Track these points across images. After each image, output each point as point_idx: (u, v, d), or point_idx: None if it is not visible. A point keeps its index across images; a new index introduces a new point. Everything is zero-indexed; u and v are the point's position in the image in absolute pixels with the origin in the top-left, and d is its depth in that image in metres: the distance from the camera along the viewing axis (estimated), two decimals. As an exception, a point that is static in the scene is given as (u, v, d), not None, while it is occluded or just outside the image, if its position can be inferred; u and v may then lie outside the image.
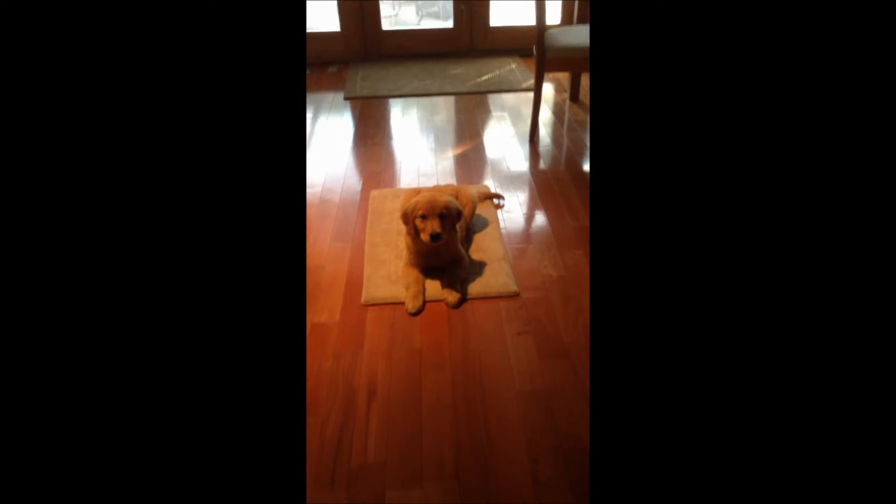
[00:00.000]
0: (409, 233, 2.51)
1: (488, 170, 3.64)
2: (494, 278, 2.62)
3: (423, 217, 2.43)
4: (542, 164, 3.69)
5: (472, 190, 2.99)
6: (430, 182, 3.50)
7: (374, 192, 3.37)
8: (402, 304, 2.48)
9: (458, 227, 2.60)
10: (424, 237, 2.41)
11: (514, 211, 3.18)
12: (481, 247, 2.86)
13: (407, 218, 2.48)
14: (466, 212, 2.86)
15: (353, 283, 2.64)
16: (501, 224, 3.06)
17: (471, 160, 3.77)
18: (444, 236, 2.42)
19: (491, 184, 3.46)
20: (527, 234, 2.99)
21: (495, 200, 3.26)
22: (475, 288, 2.56)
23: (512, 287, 2.57)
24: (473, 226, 2.97)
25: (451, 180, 3.52)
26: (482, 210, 3.12)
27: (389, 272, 2.68)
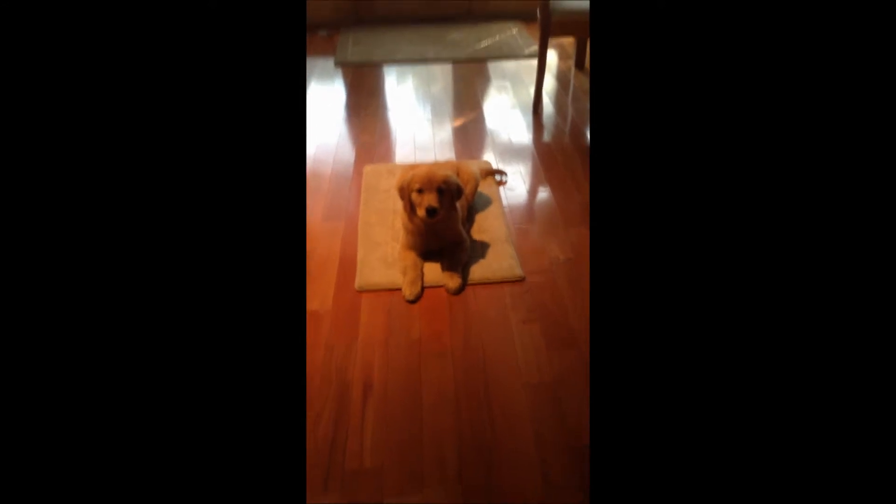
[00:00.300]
0: (405, 208, 2.34)
1: (489, 142, 3.44)
2: (498, 262, 2.46)
3: (420, 191, 2.25)
4: (546, 136, 3.50)
5: (474, 166, 2.80)
6: (427, 156, 3.31)
7: (368, 168, 3.18)
8: (399, 290, 2.32)
9: (458, 206, 2.43)
10: (420, 212, 2.24)
11: (517, 187, 3.00)
12: (483, 227, 2.69)
13: (403, 192, 2.31)
14: (468, 190, 2.69)
15: (346, 267, 2.48)
16: (504, 202, 2.88)
17: (470, 133, 3.57)
18: (442, 212, 2.26)
19: (492, 158, 3.27)
20: (531, 211, 2.82)
21: (497, 177, 3.08)
22: (477, 272, 2.40)
23: (516, 271, 2.41)
24: (475, 205, 2.80)
25: (449, 154, 3.33)
26: (484, 188, 2.94)
27: (385, 255, 2.51)
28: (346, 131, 3.60)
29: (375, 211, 2.80)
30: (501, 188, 2.99)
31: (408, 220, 2.38)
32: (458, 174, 2.70)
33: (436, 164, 2.69)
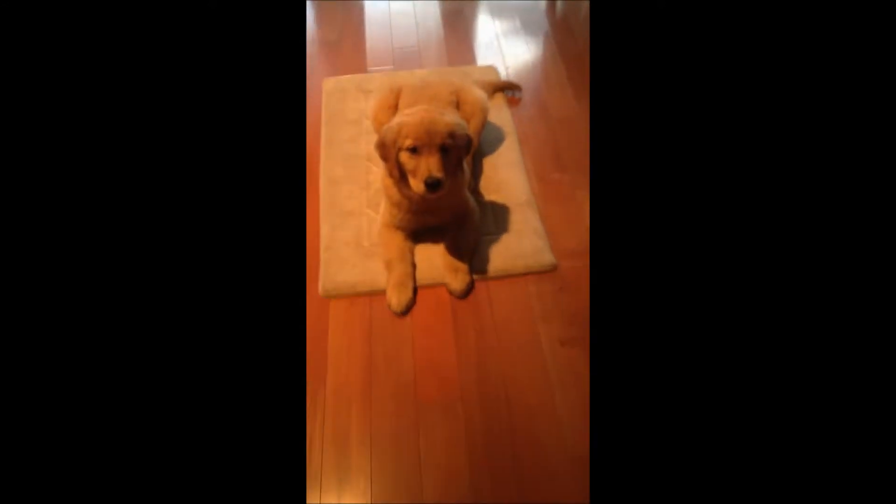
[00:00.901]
0: (390, 173, 1.57)
1: (491, 30, 2.54)
2: (518, 241, 1.74)
3: (415, 150, 1.48)
4: (560, 9, 2.61)
5: (477, 91, 1.96)
6: (409, 59, 2.43)
7: (329, 82, 2.31)
8: (382, 293, 1.63)
9: (465, 162, 1.66)
10: (417, 185, 1.48)
11: (531, 105, 2.18)
12: (495, 180, 1.93)
13: (387, 150, 1.52)
14: (474, 125, 1.88)
15: (308, 249, 1.75)
16: (521, 134, 2.09)
17: (466, 17, 2.65)
18: (447, 182, 1.50)
19: (498, 59, 2.40)
20: (557, 148, 2.04)
21: (508, 92, 2.24)
22: (493, 260, 1.70)
23: (545, 256, 1.70)
24: (482, 142, 2.00)
25: (439, 55, 2.45)
26: (492, 114, 2.11)
27: (359, 232, 1.78)
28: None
29: (342, 158, 2.01)
30: (514, 110, 2.18)
31: (392, 187, 1.62)
32: (458, 105, 1.88)
33: (426, 91, 1.86)
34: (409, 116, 1.51)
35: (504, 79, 2.30)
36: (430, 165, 1.45)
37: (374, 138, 1.99)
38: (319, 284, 1.65)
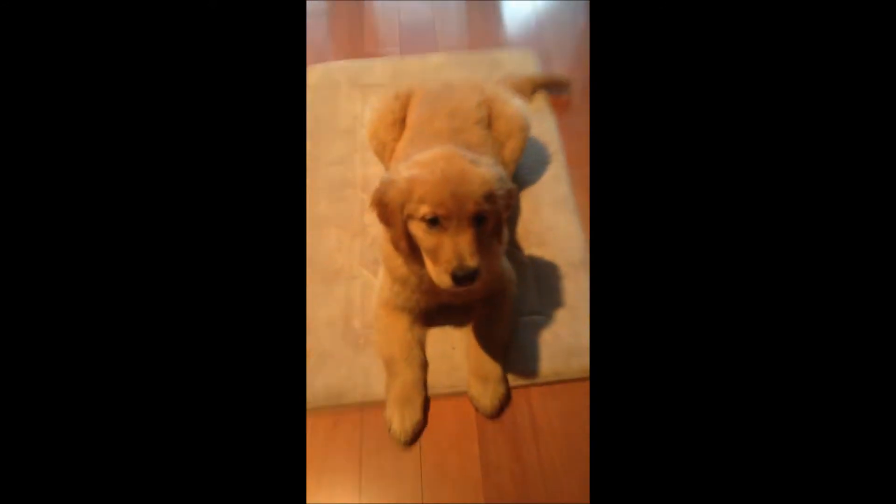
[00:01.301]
0: (393, 243, 1.06)
1: (529, 10, 1.96)
2: (571, 325, 1.23)
3: (434, 222, 0.97)
4: None
5: (515, 102, 1.39)
6: (421, 40, 1.87)
7: (315, 71, 1.77)
8: (379, 406, 1.14)
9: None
10: (438, 274, 0.98)
11: (585, 110, 1.63)
12: (536, 224, 1.40)
13: (389, 213, 1.02)
14: (511, 150, 1.36)
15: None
16: (570, 154, 1.55)
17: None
18: (483, 271, 0.98)
19: (536, 41, 1.83)
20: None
21: (552, 91, 1.69)
22: (536, 357, 1.19)
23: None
24: (518, 168, 1.47)
25: (459, 32, 1.88)
26: (531, 118, 1.56)
27: (350, 307, 1.28)
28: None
29: (328, 187, 1.49)
30: (560, 117, 1.63)
31: (395, 257, 1.11)
32: (489, 121, 1.35)
33: (448, 97, 1.33)
34: (423, 167, 0.99)
35: (546, 71, 1.74)
36: (459, 248, 0.95)
37: (371, 158, 1.48)
38: (290, 392, 1.17)
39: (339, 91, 1.71)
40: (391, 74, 1.76)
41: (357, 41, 1.89)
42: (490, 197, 0.98)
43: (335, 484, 1.08)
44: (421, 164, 1.00)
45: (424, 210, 0.96)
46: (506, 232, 1.16)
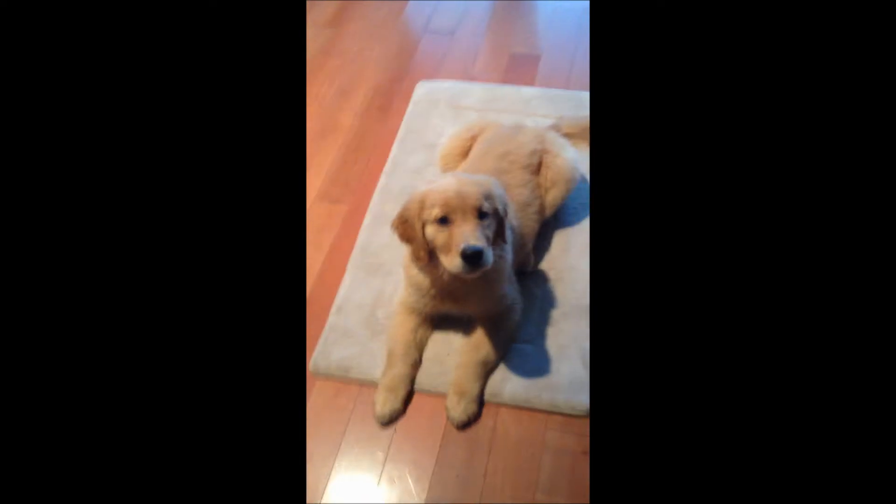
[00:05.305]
0: (416, 256, 1.26)
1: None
2: (556, 362, 1.35)
3: (443, 220, 1.18)
4: None
5: (568, 155, 1.51)
6: (525, 69, 2.01)
7: (422, 87, 1.99)
8: (374, 387, 1.37)
9: (510, 232, 1.31)
10: (451, 260, 1.17)
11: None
12: (560, 264, 1.52)
13: (410, 227, 1.23)
14: (552, 197, 1.52)
15: (316, 306, 1.53)
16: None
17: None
18: (490, 254, 1.17)
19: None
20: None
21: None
22: (514, 380, 1.33)
23: (581, 398, 1.29)
24: (560, 210, 1.58)
25: (566, 66, 1.99)
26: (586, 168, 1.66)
27: (380, 297, 1.51)
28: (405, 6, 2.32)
29: (400, 191, 1.71)
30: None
31: (415, 264, 1.31)
32: (539, 169, 1.50)
33: (508, 141, 1.51)
34: (434, 185, 1.21)
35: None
36: (465, 234, 1.14)
37: (436, 177, 1.68)
38: (312, 358, 1.43)
39: (437, 108, 1.92)
40: (486, 100, 1.93)
41: (469, 64, 2.08)
42: (489, 196, 1.19)
43: (319, 438, 1.33)
44: (432, 183, 1.24)
45: (436, 212, 1.18)
46: (509, 252, 1.33)
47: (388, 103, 1.98)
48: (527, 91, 1.93)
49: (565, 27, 2.14)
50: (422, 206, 1.19)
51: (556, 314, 1.43)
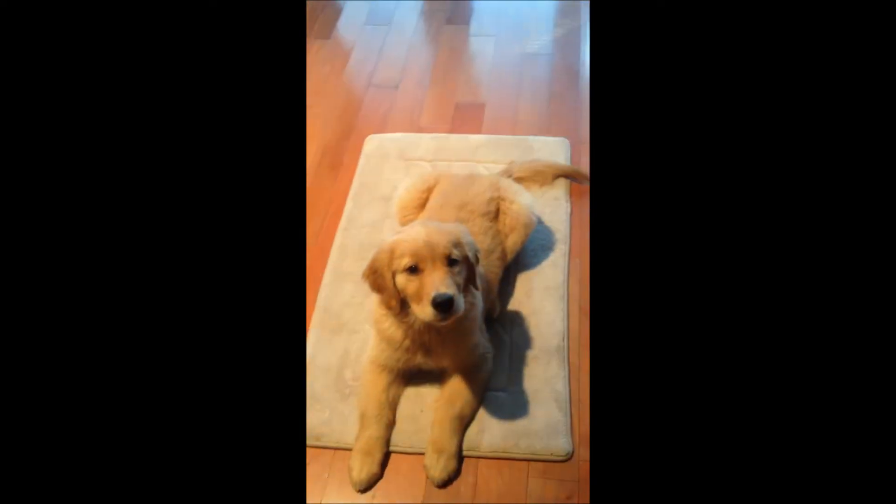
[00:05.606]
0: (386, 305, 1.25)
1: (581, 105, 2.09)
2: (532, 408, 1.35)
3: (413, 269, 1.17)
4: None
5: (523, 201, 1.55)
6: (471, 118, 2.06)
7: (372, 141, 2.01)
8: (348, 452, 1.32)
9: (479, 279, 1.31)
10: (422, 309, 1.17)
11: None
12: (527, 307, 1.53)
13: (380, 277, 1.22)
14: (511, 242, 1.54)
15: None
16: (575, 243, 1.66)
17: (558, 71, 2.21)
18: (460, 301, 1.16)
19: (578, 130, 1.96)
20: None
21: (573, 180, 1.81)
22: (490, 430, 1.32)
23: (559, 441, 1.29)
24: (522, 252, 1.61)
25: (510, 113, 2.05)
26: (545, 204, 1.71)
27: (346, 357, 1.48)
28: (356, 54, 2.36)
29: (358, 246, 1.70)
30: (576, 204, 1.75)
31: (384, 319, 1.30)
32: (497, 215, 1.53)
33: (464, 190, 1.53)
34: (403, 234, 1.21)
35: (572, 163, 1.86)
36: (435, 282, 1.14)
37: (399, 228, 1.68)
38: (279, 426, 1.38)
39: (388, 161, 1.94)
40: (435, 150, 1.96)
41: (416, 116, 2.12)
42: (457, 244, 1.19)
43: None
44: (401, 232, 1.24)
45: (406, 261, 1.17)
46: (480, 299, 1.33)
47: (338, 160, 1.98)
48: (474, 139, 1.97)
49: (507, 74, 2.21)
50: (391, 255, 1.19)
51: (526, 360, 1.43)
